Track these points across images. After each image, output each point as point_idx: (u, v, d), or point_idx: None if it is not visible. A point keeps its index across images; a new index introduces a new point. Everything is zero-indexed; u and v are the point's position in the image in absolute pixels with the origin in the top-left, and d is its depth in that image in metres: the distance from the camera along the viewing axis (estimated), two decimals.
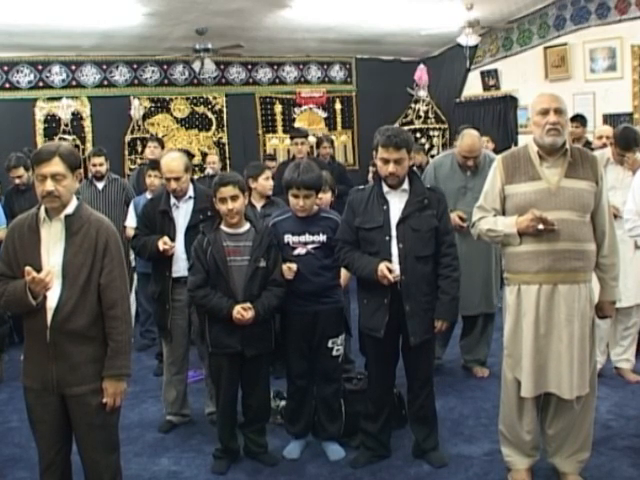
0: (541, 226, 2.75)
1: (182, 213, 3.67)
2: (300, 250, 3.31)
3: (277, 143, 9.12)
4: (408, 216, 3.09)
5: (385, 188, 3.16)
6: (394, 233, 3.09)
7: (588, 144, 6.33)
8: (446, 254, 3.15)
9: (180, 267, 3.61)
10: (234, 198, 3.19)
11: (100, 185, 5.60)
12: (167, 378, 3.82)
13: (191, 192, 3.70)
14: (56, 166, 2.39)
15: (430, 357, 3.35)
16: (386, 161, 3.07)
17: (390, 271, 3.00)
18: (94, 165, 5.59)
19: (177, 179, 3.60)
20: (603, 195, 2.89)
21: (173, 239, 3.60)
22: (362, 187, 3.33)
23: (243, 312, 3.11)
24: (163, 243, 3.55)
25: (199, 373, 4.33)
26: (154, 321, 5.25)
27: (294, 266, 3.26)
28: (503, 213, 2.96)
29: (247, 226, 3.29)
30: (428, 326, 3.15)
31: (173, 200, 3.67)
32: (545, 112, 2.82)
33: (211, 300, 3.17)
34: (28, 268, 2.30)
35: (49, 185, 2.38)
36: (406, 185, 3.15)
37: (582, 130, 6.58)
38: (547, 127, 2.80)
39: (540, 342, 2.84)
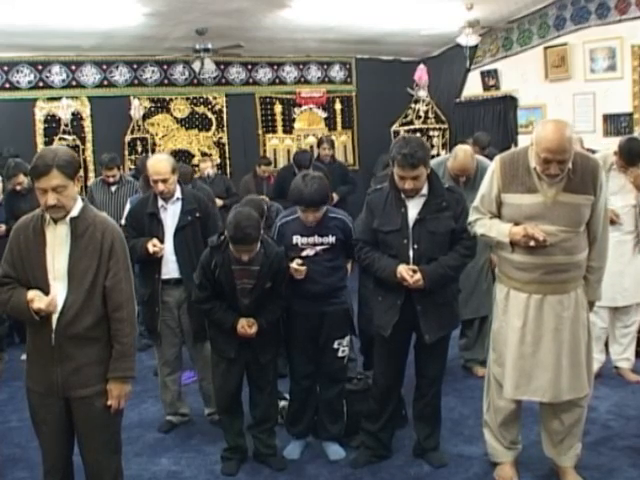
0: (532, 243, 2.73)
1: (170, 215, 3.65)
2: (309, 251, 3.30)
3: (277, 143, 9.11)
4: (425, 218, 3.06)
5: (403, 194, 3.12)
6: (412, 236, 3.07)
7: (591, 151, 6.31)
8: (462, 238, 3.10)
9: (169, 269, 3.62)
10: (251, 250, 3.11)
11: (113, 187, 5.61)
12: (161, 379, 3.83)
13: (178, 194, 3.68)
14: (55, 179, 2.33)
15: (443, 357, 3.32)
16: (402, 178, 3.03)
17: (411, 273, 2.98)
18: (107, 176, 5.61)
19: (164, 181, 3.57)
20: (600, 203, 2.83)
21: (162, 241, 3.59)
22: (379, 187, 3.29)
23: (247, 328, 3.15)
24: (153, 245, 3.54)
25: (195, 374, 4.34)
26: (143, 323, 5.29)
27: (303, 268, 3.24)
28: (499, 215, 2.94)
29: (257, 247, 3.19)
30: (442, 323, 3.14)
31: (161, 202, 3.65)
32: (547, 161, 2.70)
33: (216, 313, 3.21)
34: (31, 295, 2.31)
35: (51, 199, 2.34)
36: (425, 190, 3.10)
37: None
38: (547, 173, 2.73)
39: (526, 349, 2.86)
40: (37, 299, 2.31)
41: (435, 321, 3.10)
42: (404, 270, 2.99)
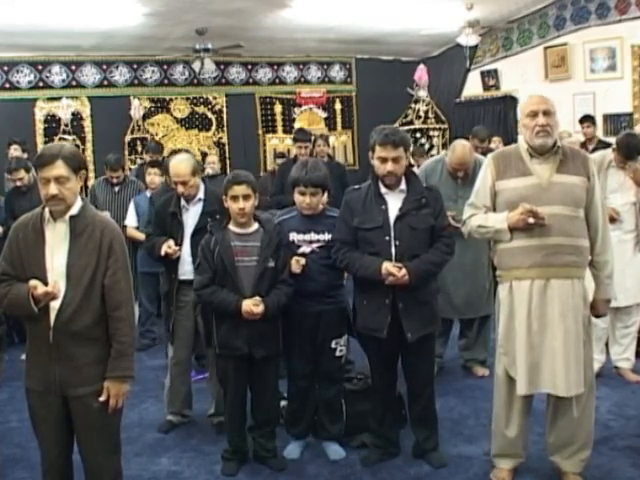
0: (532, 220, 2.74)
1: (191, 215, 3.63)
2: (305, 249, 3.29)
3: (277, 143, 9.12)
4: (406, 214, 3.07)
5: (383, 189, 3.13)
6: (393, 233, 3.08)
7: (601, 143, 6.37)
8: (441, 236, 3.13)
9: (186, 270, 3.58)
10: (246, 197, 3.16)
11: (116, 187, 5.61)
12: (170, 378, 3.81)
13: (201, 194, 3.64)
14: (59, 169, 2.37)
15: (431, 358, 3.33)
16: (384, 160, 3.05)
17: (397, 269, 2.97)
18: (111, 177, 5.60)
19: (184, 183, 3.54)
20: (596, 191, 2.88)
21: (181, 242, 3.57)
22: (357, 186, 3.30)
23: (253, 307, 3.08)
24: (167, 247, 3.53)
25: (198, 373, 4.34)
26: (144, 324, 5.29)
27: (302, 259, 3.24)
28: (494, 210, 2.95)
29: (256, 226, 3.26)
30: (424, 321, 3.13)
31: (183, 202, 3.63)
32: (534, 114, 2.81)
33: (218, 296, 3.14)
34: (33, 282, 2.30)
35: (53, 189, 2.36)
36: (403, 185, 3.13)
37: (593, 130, 6.68)
38: (536, 129, 2.80)
39: (533, 339, 2.83)
40: (40, 285, 2.32)
41: (417, 319, 3.09)
42: (390, 265, 2.98)
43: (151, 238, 3.75)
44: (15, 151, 6.21)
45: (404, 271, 2.97)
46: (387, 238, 3.07)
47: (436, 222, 3.12)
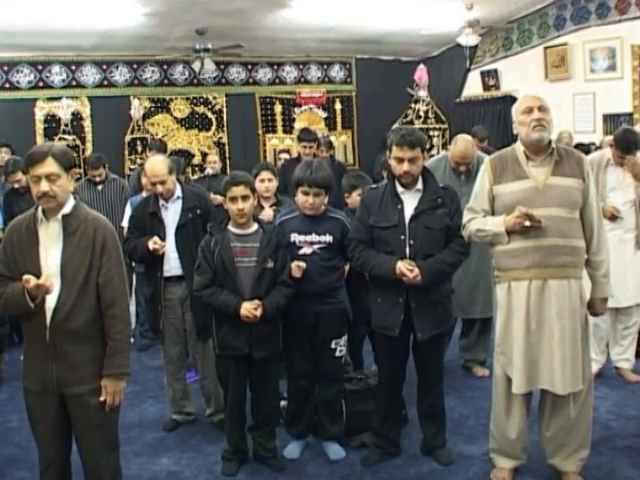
0: (528, 223, 2.77)
1: (171, 213, 3.69)
2: (306, 250, 3.30)
3: (277, 143, 9.11)
4: (421, 213, 3.10)
5: (399, 188, 3.16)
6: (408, 232, 3.09)
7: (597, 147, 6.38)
8: (457, 236, 3.14)
9: (171, 266, 3.64)
10: (245, 198, 3.19)
11: (100, 186, 5.61)
12: (166, 378, 3.85)
13: (179, 192, 3.72)
14: (50, 166, 2.39)
15: (440, 355, 3.37)
16: (400, 160, 3.08)
17: (410, 270, 2.99)
18: (93, 176, 5.60)
19: (162, 182, 3.61)
20: (591, 192, 2.91)
21: (163, 239, 3.62)
22: (375, 186, 3.34)
23: (252, 310, 3.10)
24: (153, 242, 3.57)
25: (195, 373, 4.35)
26: (144, 324, 5.28)
27: (303, 264, 3.25)
28: (493, 214, 2.97)
29: (255, 227, 3.28)
30: (436, 322, 3.15)
31: (161, 201, 3.69)
32: (530, 110, 2.86)
33: (218, 298, 3.15)
34: (26, 277, 2.31)
35: (44, 186, 2.38)
36: (420, 185, 3.16)
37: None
38: (533, 124, 2.84)
39: (531, 338, 2.85)
40: (33, 279, 2.33)
41: (428, 319, 3.11)
42: (403, 266, 3.00)
43: (130, 240, 3.76)
44: (6, 154, 6.16)
45: (416, 271, 2.99)
46: (402, 237, 3.09)
47: (452, 222, 3.13)
